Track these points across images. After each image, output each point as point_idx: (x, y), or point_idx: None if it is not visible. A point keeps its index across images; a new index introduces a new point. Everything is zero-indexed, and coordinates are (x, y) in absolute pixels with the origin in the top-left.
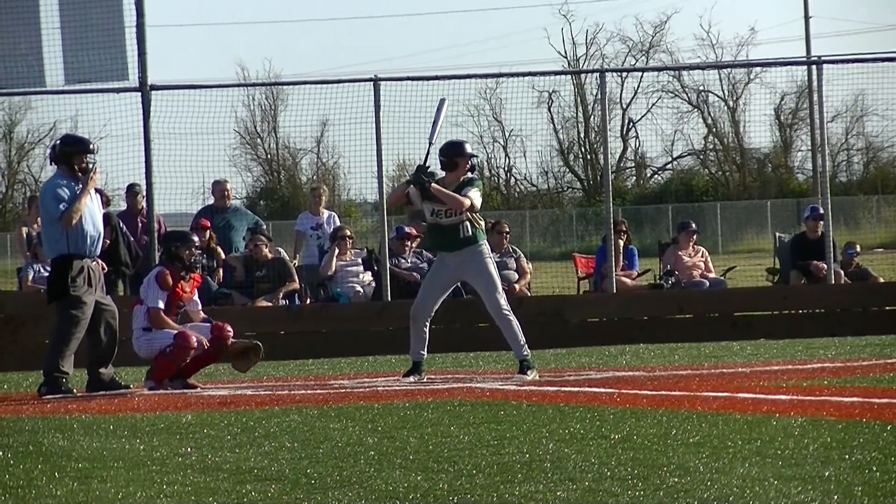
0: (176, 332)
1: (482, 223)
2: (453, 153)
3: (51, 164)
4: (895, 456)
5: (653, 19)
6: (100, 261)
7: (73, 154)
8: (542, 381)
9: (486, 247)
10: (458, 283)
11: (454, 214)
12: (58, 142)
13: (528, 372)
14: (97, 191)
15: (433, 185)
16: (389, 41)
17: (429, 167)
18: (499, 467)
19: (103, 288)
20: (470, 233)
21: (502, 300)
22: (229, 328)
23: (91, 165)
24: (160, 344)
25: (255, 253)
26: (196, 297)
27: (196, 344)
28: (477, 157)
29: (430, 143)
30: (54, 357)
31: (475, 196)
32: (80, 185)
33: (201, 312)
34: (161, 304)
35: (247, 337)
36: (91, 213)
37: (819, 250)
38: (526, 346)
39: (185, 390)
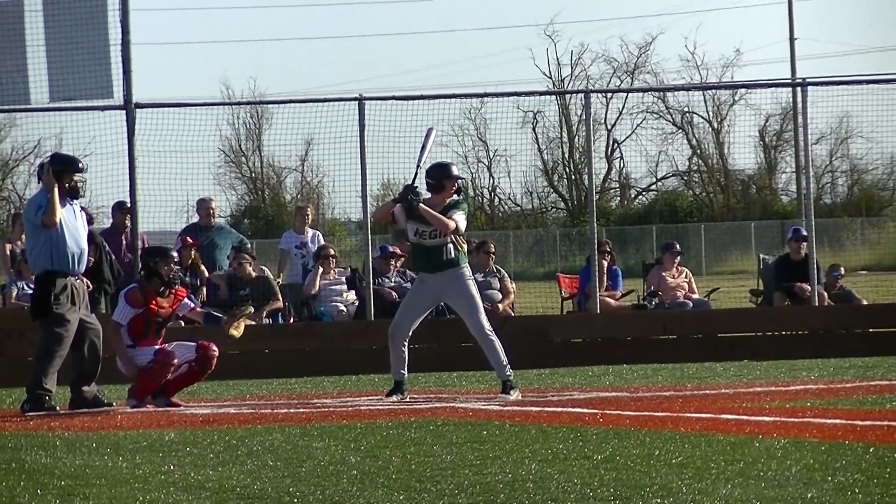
0: (157, 348)
1: (465, 246)
2: (440, 175)
3: (38, 182)
4: (878, 478)
5: (638, 40)
6: (84, 279)
7: (61, 173)
8: (525, 401)
9: (467, 269)
10: (441, 304)
11: (438, 236)
12: (46, 160)
13: (511, 392)
14: (81, 208)
15: (420, 205)
16: (374, 61)
17: (416, 186)
18: (481, 487)
19: (87, 306)
20: (453, 255)
21: (484, 321)
22: (214, 347)
23: (78, 185)
24: (141, 361)
25: (239, 271)
26: (187, 300)
27: (177, 360)
28: (463, 178)
29: (418, 167)
30: (38, 374)
31: (460, 219)
32: (55, 195)
33: (198, 308)
34: (123, 320)
35: (230, 356)
36: (74, 230)
37: (803, 272)
38: (508, 366)
39: (169, 408)
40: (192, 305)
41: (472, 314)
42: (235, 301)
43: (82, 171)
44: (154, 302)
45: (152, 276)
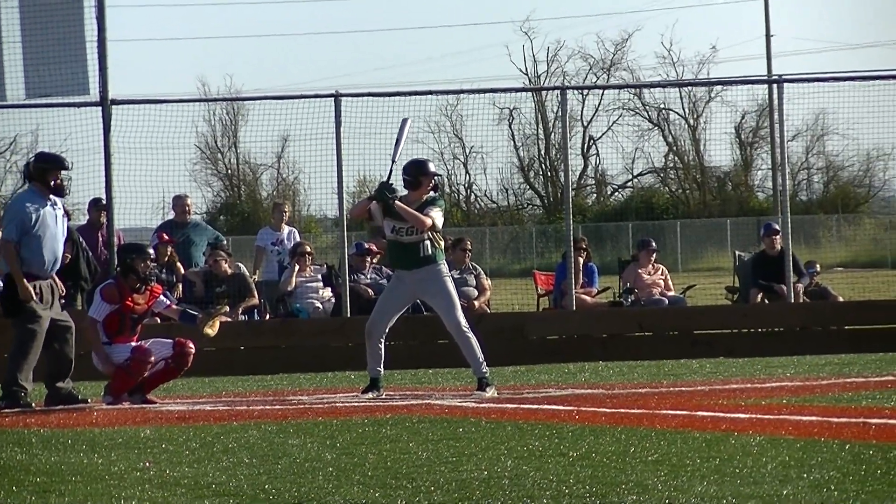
0: (134, 345)
1: (442, 243)
2: (417, 172)
3: (24, 182)
4: (853, 475)
5: (614, 37)
6: (56, 279)
7: (47, 171)
8: (500, 398)
9: (444, 266)
10: (417, 301)
11: (415, 233)
12: (32, 158)
13: (487, 389)
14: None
15: (397, 202)
16: (350, 57)
17: (392, 184)
18: (457, 484)
19: (59, 304)
20: (430, 252)
21: (461, 318)
22: (191, 345)
23: (65, 182)
24: (118, 358)
25: (215, 268)
26: (162, 297)
27: (154, 357)
28: (440, 175)
29: (394, 161)
30: (13, 371)
31: (437, 215)
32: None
33: (174, 305)
34: (99, 317)
35: (206, 353)
36: (52, 238)
37: (780, 267)
38: (485, 363)
39: (144, 405)
40: (168, 303)
41: (449, 311)
42: (212, 298)
43: (68, 169)
44: (130, 298)
45: (129, 273)
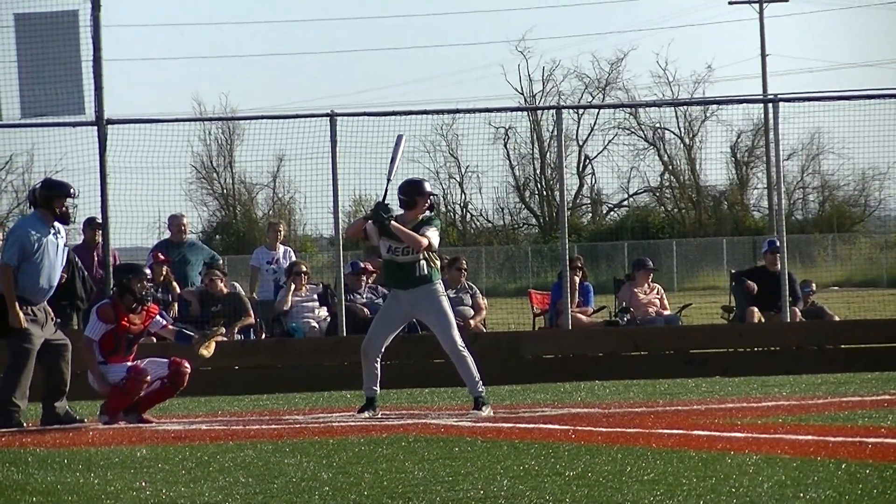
0: (129, 365)
1: (438, 262)
2: (413, 192)
3: (30, 208)
4: (849, 494)
5: (609, 56)
6: (47, 306)
7: (53, 198)
8: (496, 417)
9: (440, 285)
10: (413, 320)
11: (411, 252)
12: (38, 185)
13: (483, 408)
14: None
15: (392, 222)
16: (346, 77)
17: (388, 203)
18: (453, 503)
19: (54, 324)
20: (426, 272)
21: (457, 337)
22: (187, 364)
23: (71, 210)
24: (114, 377)
25: (211, 287)
26: (159, 317)
27: (150, 377)
28: (436, 195)
29: (389, 180)
30: (7, 390)
31: (433, 235)
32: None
33: (170, 326)
34: (95, 336)
35: (202, 372)
36: (51, 267)
37: (777, 284)
38: (481, 382)
39: (140, 424)
40: (164, 323)
41: (445, 330)
42: (207, 317)
43: (74, 197)
44: (126, 318)
45: (125, 293)
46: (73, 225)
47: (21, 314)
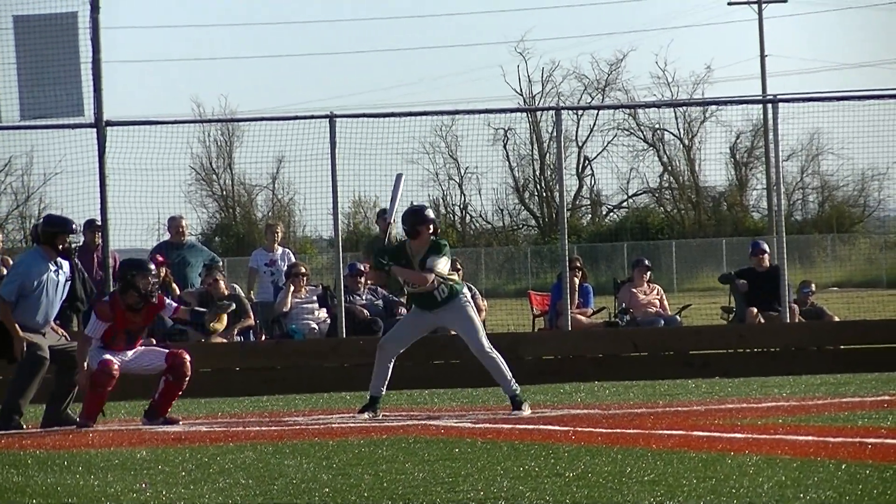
0: (104, 357)
1: (456, 275)
2: (414, 221)
3: (33, 243)
4: (850, 495)
5: (609, 57)
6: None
7: (55, 235)
8: (496, 418)
9: (463, 295)
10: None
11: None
12: (40, 221)
13: (523, 407)
14: (71, 265)
15: (393, 267)
16: (345, 78)
17: (385, 247)
18: None
19: (62, 336)
20: (446, 293)
21: (485, 340)
22: (186, 355)
23: (72, 245)
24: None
25: (214, 289)
26: (169, 303)
27: (116, 369)
28: (436, 221)
29: (389, 222)
30: (15, 395)
31: (440, 264)
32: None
33: (182, 307)
34: (94, 334)
35: (202, 374)
36: (49, 304)
37: (770, 283)
38: (514, 381)
39: (168, 426)
40: (176, 306)
41: (473, 336)
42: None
43: (75, 233)
44: (124, 316)
45: (129, 289)
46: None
47: (24, 343)
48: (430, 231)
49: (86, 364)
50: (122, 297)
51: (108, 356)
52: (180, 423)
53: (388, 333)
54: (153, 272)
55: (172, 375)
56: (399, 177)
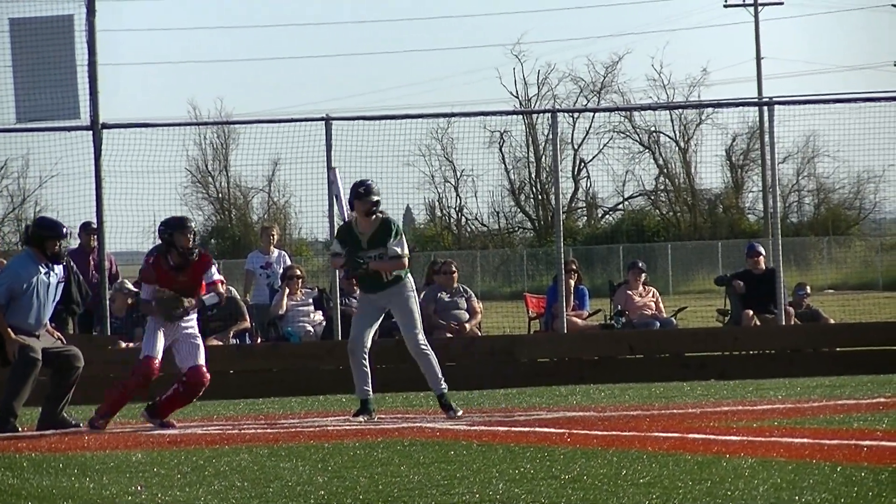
0: (140, 357)
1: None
2: (351, 196)
3: (23, 246)
4: (845, 497)
5: (604, 60)
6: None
7: (46, 239)
8: (491, 420)
9: (410, 282)
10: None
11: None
12: (31, 223)
13: (454, 406)
14: (64, 268)
15: (371, 264)
16: (341, 80)
17: (359, 256)
18: None
19: (58, 339)
20: (393, 275)
21: (421, 336)
22: (206, 377)
23: (62, 250)
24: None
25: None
26: (213, 270)
27: (155, 369)
28: (369, 194)
29: (346, 220)
30: (9, 397)
31: (402, 246)
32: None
33: (219, 285)
34: (147, 296)
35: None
36: (41, 305)
37: (766, 285)
38: (443, 379)
39: (165, 430)
40: (215, 279)
41: (411, 327)
42: (203, 321)
43: (66, 237)
44: (166, 276)
45: (170, 249)
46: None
47: (17, 345)
48: (370, 207)
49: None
50: (164, 257)
51: (149, 353)
52: (176, 428)
53: (351, 336)
54: (193, 228)
55: (184, 388)
56: (333, 171)
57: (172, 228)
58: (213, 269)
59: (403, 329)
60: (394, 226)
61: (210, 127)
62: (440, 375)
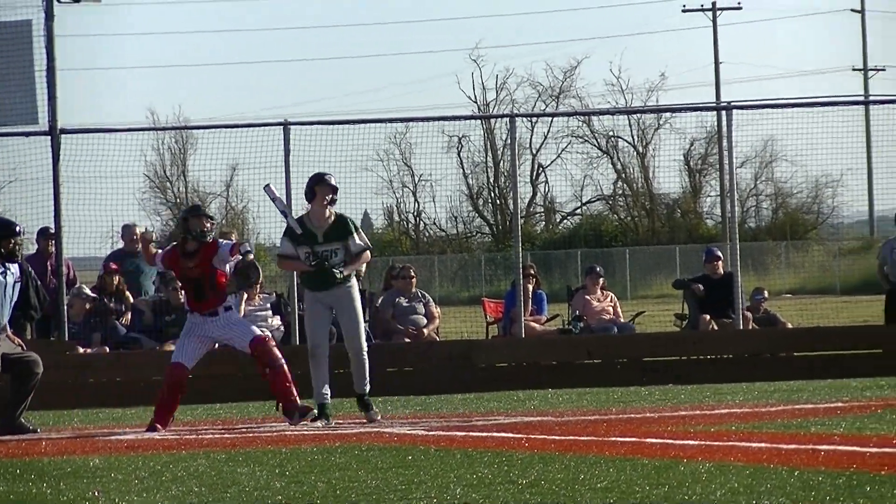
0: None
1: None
2: (311, 184)
3: None
4: (802, 501)
5: (563, 64)
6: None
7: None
8: (449, 425)
9: (356, 283)
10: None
11: (338, 255)
12: None
13: (373, 407)
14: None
15: (345, 271)
16: (300, 85)
17: (325, 259)
18: None
19: (18, 346)
20: (345, 275)
21: (363, 339)
22: (188, 378)
23: (17, 248)
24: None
25: (173, 298)
26: (222, 248)
27: (186, 373)
28: (326, 187)
29: (301, 233)
30: None
31: (366, 239)
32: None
33: (238, 253)
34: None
35: (156, 381)
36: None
37: (724, 290)
38: (368, 381)
39: (149, 433)
40: (233, 244)
41: (356, 329)
42: (161, 327)
43: (20, 234)
44: (178, 263)
45: (186, 234)
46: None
47: None
48: (328, 201)
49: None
50: (181, 245)
51: (179, 357)
52: (159, 431)
53: (310, 339)
54: (209, 214)
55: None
56: (268, 188)
57: (189, 213)
58: (223, 242)
59: (348, 330)
60: (350, 221)
61: (168, 132)
62: (368, 378)
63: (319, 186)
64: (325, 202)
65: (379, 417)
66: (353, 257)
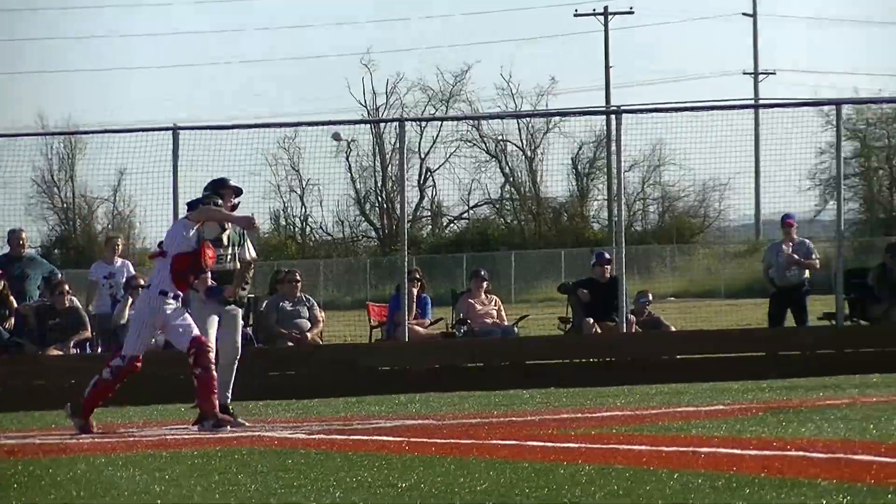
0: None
1: None
2: (215, 189)
3: None
4: (681, 503)
5: (454, 69)
6: None
7: None
8: (330, 429)
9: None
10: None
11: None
12: None
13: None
14: None
15: (239, 291)
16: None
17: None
18: None
19: None
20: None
21: (239, 346)
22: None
23: None
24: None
25: (59, 302)
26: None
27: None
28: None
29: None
30: None
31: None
32: None
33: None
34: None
35: (35, 387)
36: None
37: (610, 293)
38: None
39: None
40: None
41: (234, 335)
42: (45, 331)
43: None
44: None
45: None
46: None
47: None
48: (239, 193)
49: None
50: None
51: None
52: (94, 431)
53: (227, 343)
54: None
55: (112, 376)
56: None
57: (217, 186)
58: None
59: (228, 335)
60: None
61: (57, 137)
62: (231, 387)
63: (226, 191)
64: (231, 205)
65: (229, 428)
66: (241, 270)
